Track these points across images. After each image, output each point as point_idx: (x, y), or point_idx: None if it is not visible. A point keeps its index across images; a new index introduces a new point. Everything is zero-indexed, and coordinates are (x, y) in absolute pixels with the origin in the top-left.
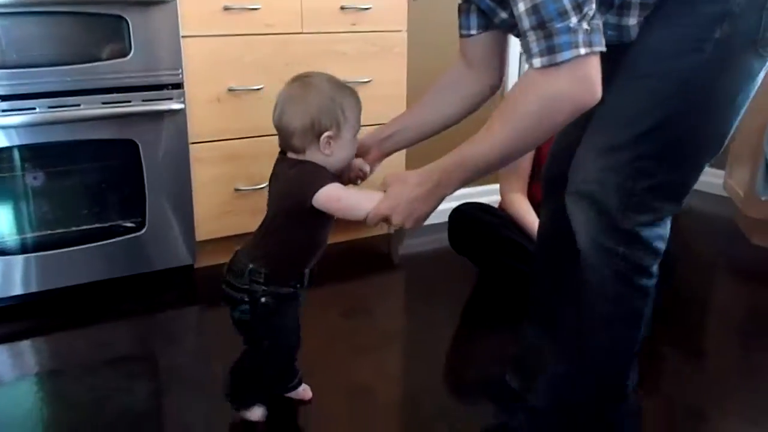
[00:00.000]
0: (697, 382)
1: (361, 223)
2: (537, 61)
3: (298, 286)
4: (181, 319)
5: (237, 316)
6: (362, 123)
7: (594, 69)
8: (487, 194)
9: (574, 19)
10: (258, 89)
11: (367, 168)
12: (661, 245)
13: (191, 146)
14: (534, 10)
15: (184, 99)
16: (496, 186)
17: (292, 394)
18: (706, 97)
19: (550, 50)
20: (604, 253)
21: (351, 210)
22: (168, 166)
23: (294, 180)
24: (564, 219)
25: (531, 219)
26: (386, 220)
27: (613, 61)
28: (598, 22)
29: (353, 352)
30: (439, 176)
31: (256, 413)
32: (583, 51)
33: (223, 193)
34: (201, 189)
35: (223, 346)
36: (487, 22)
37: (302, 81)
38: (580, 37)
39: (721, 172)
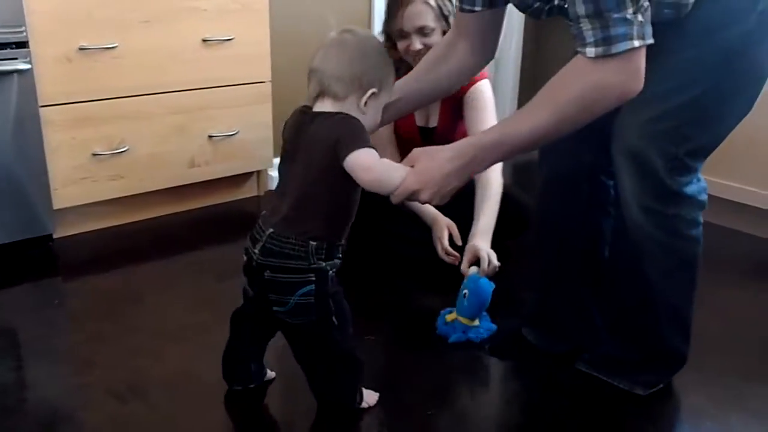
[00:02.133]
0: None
1: (231, 185)
2: (591, 51)
3: (342, 254)
4: (39, 291)
5: (295, 301)
6: (225, 82)
7: (642, 61)
8: None
9: (630, 10)
10: (112, 48)
11: None
12: (704, 197)
13: (41, 109)
14: None
15: (30, 59)
16: None
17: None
18: (747, 67)
19: (606, 41)
20: (654, 217)
21: (379, 183)
22: (17, 131)
23: (336, 129)
24: (570, 193)
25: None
26: (413, 195)
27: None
28: (649, 15)
29: (225, 315)
30: (474, 153)
31: (372, 397)
32: (637, 43)
33: (80, 158)
34: (55, 154)
35: (83, 317)
36: (492, 0)
37: (357, 33)
38: (635, 29)
39: None
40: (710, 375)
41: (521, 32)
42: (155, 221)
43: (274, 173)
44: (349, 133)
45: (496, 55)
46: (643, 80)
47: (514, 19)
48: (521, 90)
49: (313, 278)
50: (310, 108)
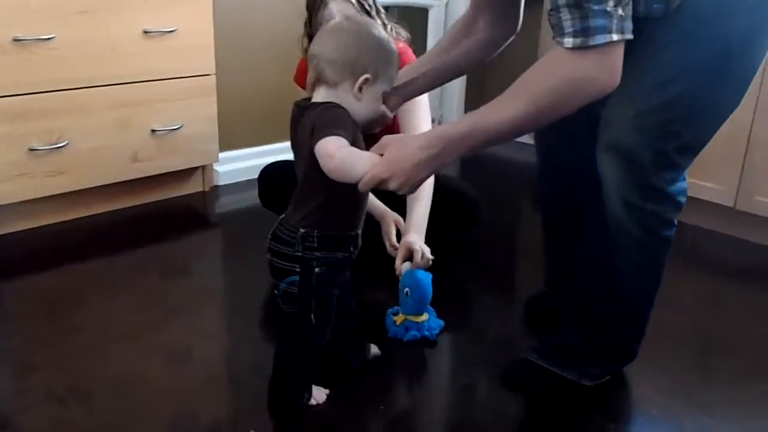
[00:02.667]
0: (505, 314)
1: (175, 181)
2: (569, 41)
3: (352, 249)
4: None
5: (283, 288)
6: (168, 75)
7: (620, 56)
8: None
9: (611, 3)
10: (49, 39)
11: (390, 115)
12: (683, 199)
13: None
14: None
15: None
16: None
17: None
18: (736, 62)
19: (584, 32)
20: (633, 211)
21: (344, 170)
22: None
23: (314, 119)
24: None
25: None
26: (381, 184)
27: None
28: (630, 9)
29: (171, 312)
30: (444, 143)
31: (320, 394)
32: (615, 37)
33: (16, 154)
34: None
35: (21, 319)
36: None
37: (355, 19)
38: (614, 23)
39: None
40: (660, 367)
41: None
42: (96, 218)
43: (220, 168)
44: (322, 122)
45: None
46: (619, 76)
47: (461, 10)
48: (468, 86)
49: (298, 269)
50: (307, 100)
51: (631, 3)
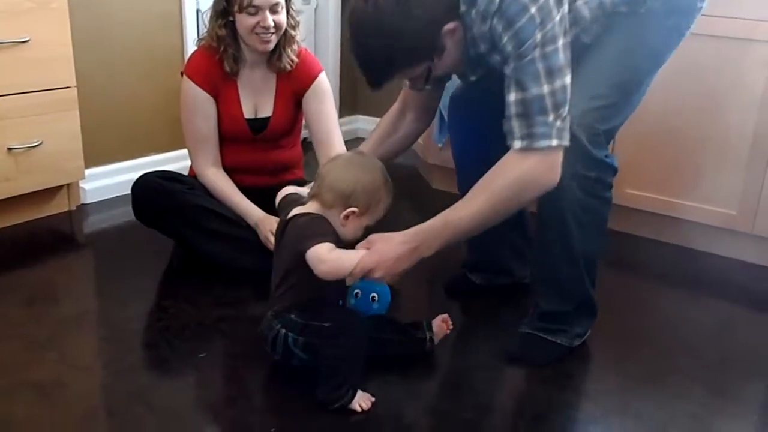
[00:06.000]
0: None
1: (38, 201)
2: (518, 144)
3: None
4: None
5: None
6: (22, 89)
7: (559, 158)
8: (173, 161)
9: (551, 117)
10: None
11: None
12: (615, 163)
13: None
14: (522, 102)
15: None
16: (181, 152)
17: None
18: (660, 57)
19: (531, 137)
20: (579, 181)
21: (335, 270)
22: None
23: (299, 228)
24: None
25: (229, 191)
26: (369, 274)
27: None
28: (568, 122)
29: (37, 344)
30: (422, 238)
31: (365, 400)
32: (554, 143)
33: None
34: None
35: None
36: (438, 80)
37: (367, 159)
38: (554, 131)
39: None
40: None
41: (338, 25)
42: None
43: (86, 186)
44: (310, 232)
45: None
46: (558, 174)
47: (330, 15)
48: (341, 85)
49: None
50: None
51: (568, 117)
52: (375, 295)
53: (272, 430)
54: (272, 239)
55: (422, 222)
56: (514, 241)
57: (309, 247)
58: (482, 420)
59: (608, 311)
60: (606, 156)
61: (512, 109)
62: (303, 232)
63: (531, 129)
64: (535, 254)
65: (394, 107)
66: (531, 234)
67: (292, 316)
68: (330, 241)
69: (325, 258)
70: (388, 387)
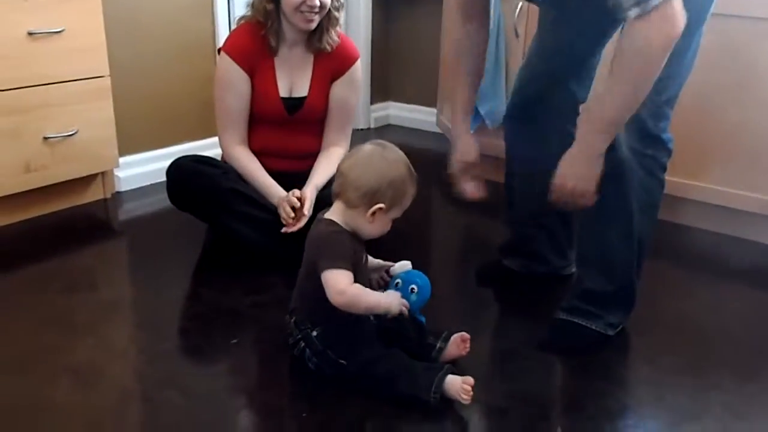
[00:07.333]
0: None
1: (74, 189)
2: (632, 13)
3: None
4: None
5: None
6: (57, 79)
7: (678, 6)
8: (206, 148)
9: None
10: None
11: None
12: (672, 146)
13: None
14: None
15: None
16: (214, 139)
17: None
18: (700, 21)
19: (640, 1)
20: (636, 156)
21: (352, 307)
22: None
23: (317, 241)
24: (538, 134)
25: (254, 167)
26: (562, 190)
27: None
28: None
29: (75, 330)
30: (579, 146)
31: (456, 384)
32: None
33: None
34: None
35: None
36: None
37: (389, 150)
38: None
39: (434, 110)
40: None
41: (369, 10)
42: None
43: (120, 174)
44: (328, 252)
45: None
46: (682, 23)
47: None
48: (373, 66)
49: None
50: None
51: None
52: (414, 287)
53: (304, 414)
54: (291, 216)
55: (449, 210)
56: (554, 230)
57: (325, 268)
58: (514, 408)
59: (646, 299)
60: (663, 133)
61: None
62: (320, 247)
63: None
64: (588, 231)
65: (454, 32)
66: (573, 227)
67: (314, 333)
68: (348, 267)
69: (345, 290)
70: None
